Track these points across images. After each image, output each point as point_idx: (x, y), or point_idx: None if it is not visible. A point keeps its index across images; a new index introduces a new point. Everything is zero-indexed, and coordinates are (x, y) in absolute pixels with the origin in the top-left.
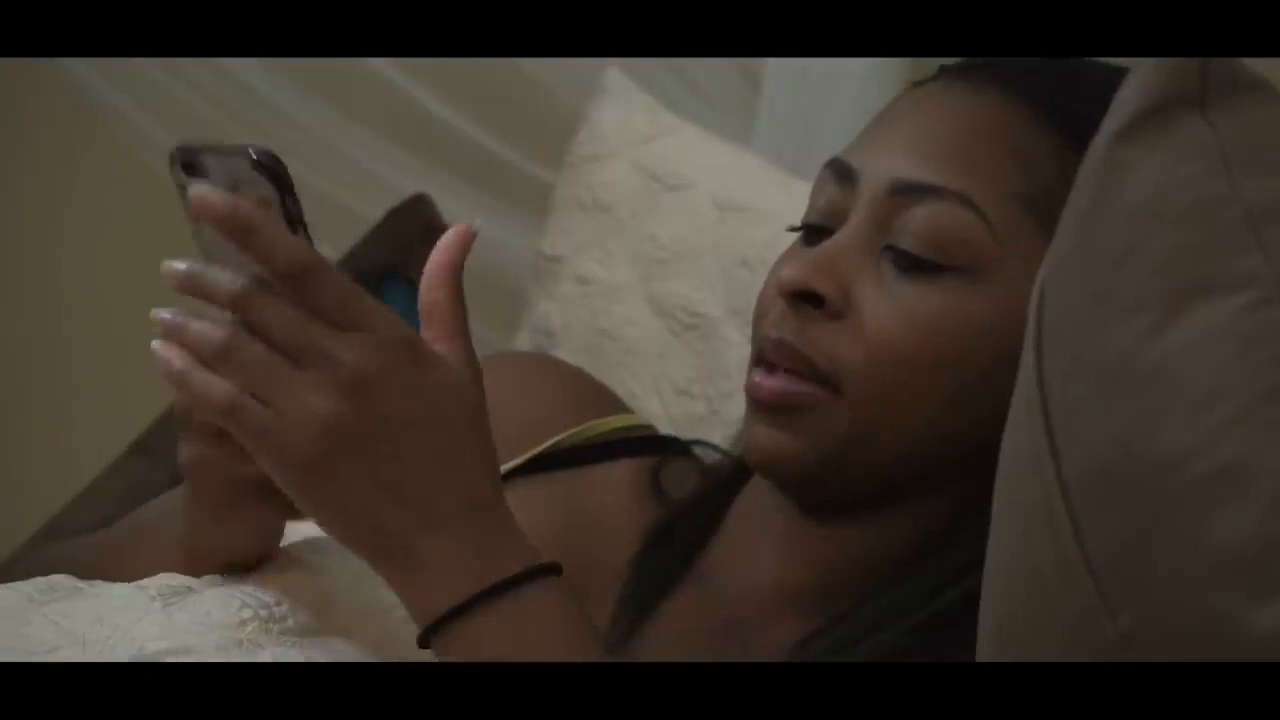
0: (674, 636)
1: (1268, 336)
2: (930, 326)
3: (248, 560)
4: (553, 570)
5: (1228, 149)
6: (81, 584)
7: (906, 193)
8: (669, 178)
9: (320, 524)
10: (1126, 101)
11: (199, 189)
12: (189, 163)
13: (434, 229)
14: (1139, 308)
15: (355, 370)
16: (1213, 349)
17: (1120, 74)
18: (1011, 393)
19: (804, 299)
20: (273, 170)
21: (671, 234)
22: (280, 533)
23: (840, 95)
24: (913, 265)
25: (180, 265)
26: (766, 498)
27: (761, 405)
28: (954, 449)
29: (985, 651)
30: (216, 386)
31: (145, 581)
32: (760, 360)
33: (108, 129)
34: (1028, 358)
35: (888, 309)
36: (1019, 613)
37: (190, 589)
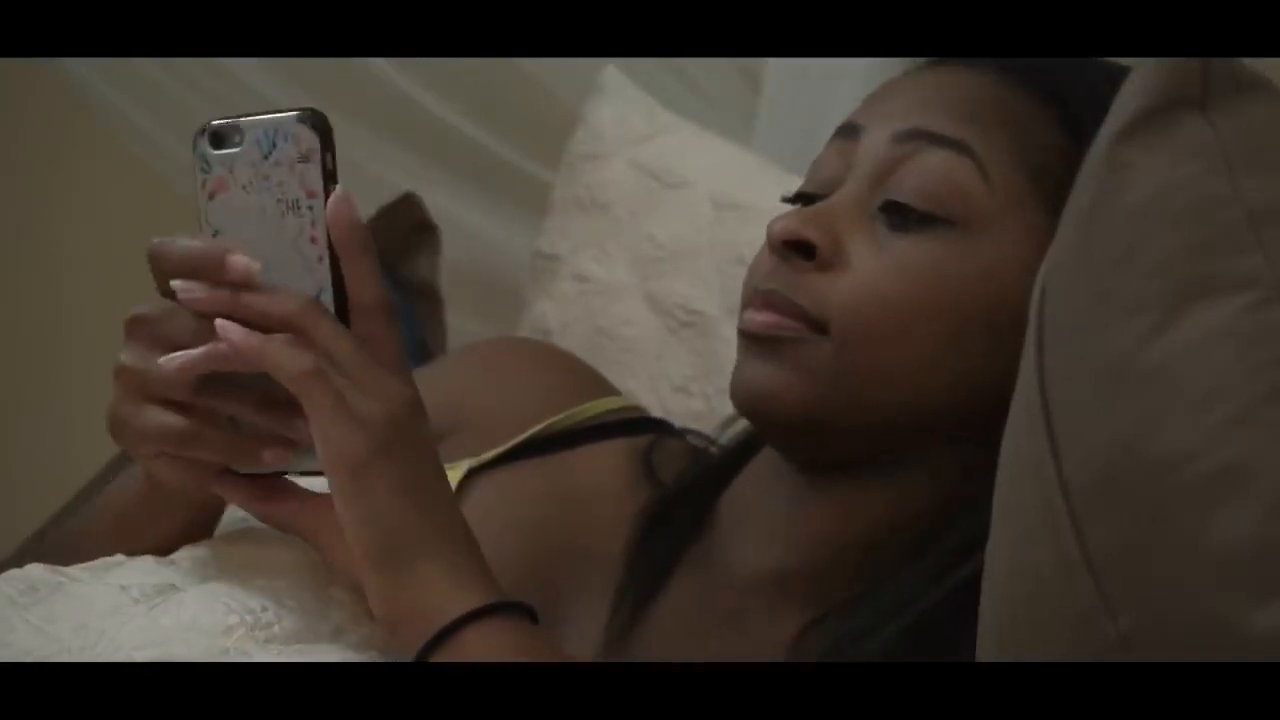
0: (674, 626)
1: (1268, 337)
2: (920, 276)
3: (206, 510)
4: (533, 611)
5: (1229, 149)
6: (62, 577)
7: (907, 140)
8: (666, 176)
9: (350, 513)
10: (1127, 101)
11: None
12: (220, 134)
13: (423, 227)
14: (1139, 308)
15: (406, 396)
16: (1213, 349)
17: (1110, 65)
18: (1007, 359)
19: (795, 249)
20: (318, 127)
21: (669, 233)
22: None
23: (840, 95)
24: (907, 219)
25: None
26: (764, 479)
27: (751, 339)
28: (951, 414)
29: (985, 651)
30: (299, 354)
31: (126, 577)
32: (750, 304)
33: (108, 129)
34: (1029, 358)
35: (879, 261)
36: (1019, 613)
37: (173, 586)
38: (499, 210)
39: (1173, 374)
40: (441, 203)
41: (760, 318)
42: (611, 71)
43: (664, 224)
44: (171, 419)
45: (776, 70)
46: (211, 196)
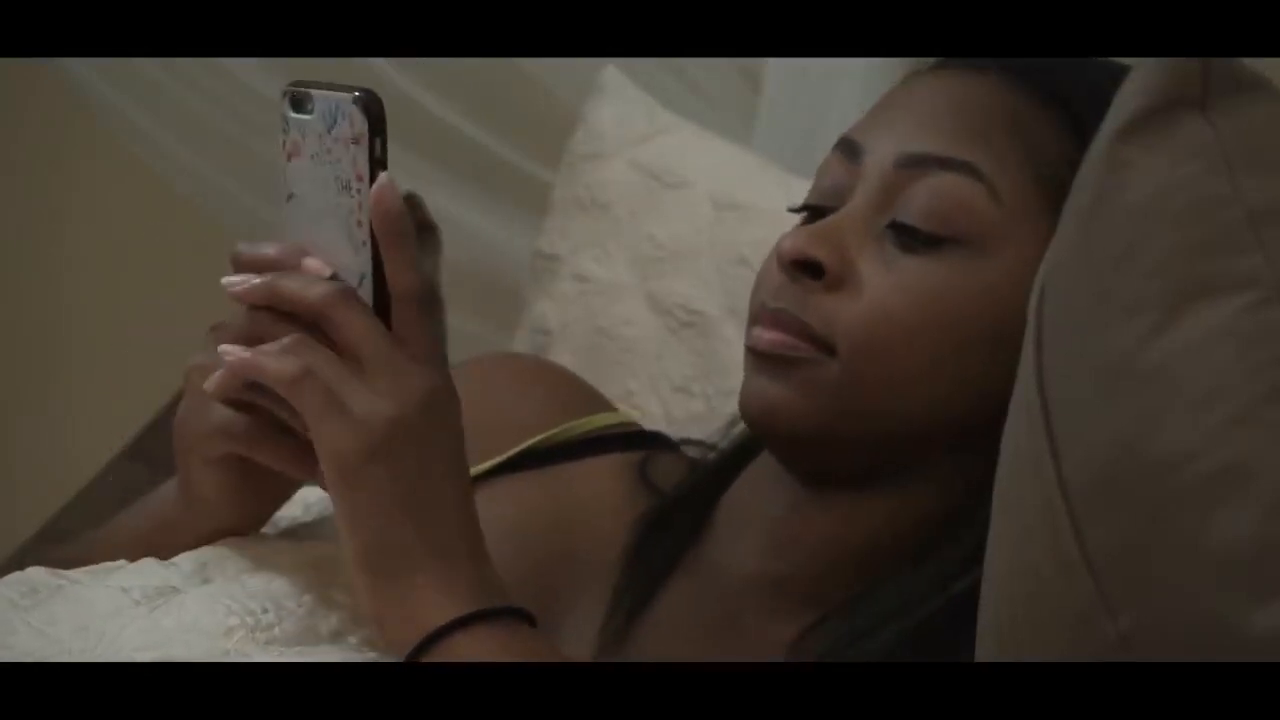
0: (670, 631)
1: (1268, 337)
2: (930, 297)
3: (235, 532)
4: (530, 615)
5: (1229, 149)
6: (62, 580)
7: (913, 165)
8: (667, 176)
9: (342, 514)
10: (1127, 101)
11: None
12: (298, 100)
13: (423, 227)
14: (1139, 308)
15: (427, 389)
16: (1213, 349)
17: (1113, 65)
18: (1011, 367)
19: (803, 268)
20: (370, 110)
21: (669, 233)
22: (271, 514)
23: (840, 95)
24: (915, 239)
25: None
26: (764, 483)
27: (760, 356)
28: (954, 426)
29: (985, 651)
30: (285, 361)
31: (127, 579)
32: (758, 321)
33: (108, 129)
34: (1028, 358)
35: (888, 281)
36: (1019, 613)
37: (174, 588)
38: (499, 210)
39: (1173, 374)
40: (441, 203)
41: (768, 336)
42: (611, 71)
43: (664, 224)
44: (239, 416)
45: (776, 70)
46: (289, 158)
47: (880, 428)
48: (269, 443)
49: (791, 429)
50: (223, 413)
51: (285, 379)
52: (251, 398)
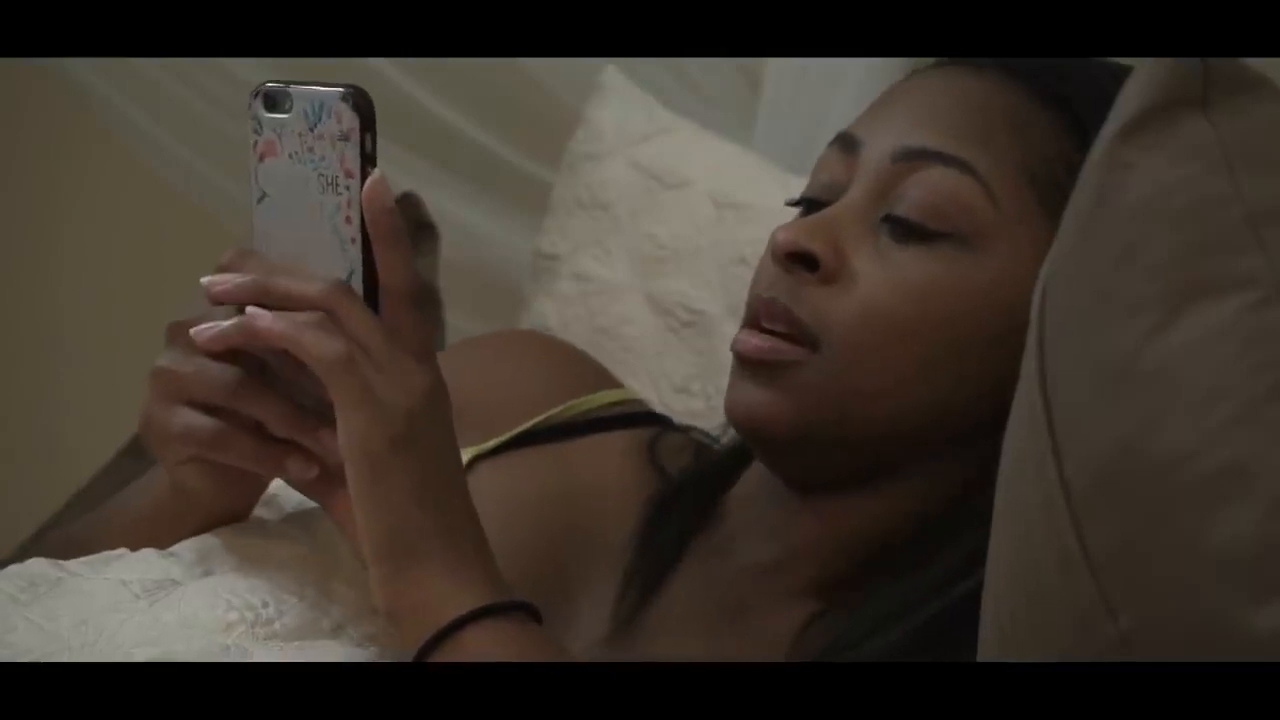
0: (681, 615)
1: (1268, 336)
2: (924, 292)
3: (224, 521)
4: (536, 612)
5: (1229, 149)
6: (62, 572)
7: (909, 159)
8: (667, 176)
9: (363, 503)
10: (1128, 101)
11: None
12: (273, 98)
13: (423, 227)
14: (1140, 308)
15: (429, 384)
16: (1214, 349)
17: (1115, 66)
18: (1008, 370)
19: (798, 260)
20: (360, 107)
21: (670, 232)
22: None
23: (840, 96)
24: (910, 233)
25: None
26: (766, 476)
27: (745, 362)
28: (948, 424)
29: (986, 651)
30: (331, 341)
31: (127, 571)
32: (750, 323)
33: (108, 129)
34: (1030, 358)
35: (882, 274)
36: (1020, 613)
37: (174, 581)
38: (499, 210)
39: (1173, 374)
40: (441, 203)
41: (754, 341)
42: (611, 71)
43: (664, 224)
44: (201, 420)
45: (776, 70)
46: (261, 159)
47: (870, 430)
48: (233, 445)
49: (779, 433)
50: (186, 418)
51: (328, 359)
52: (220, 402)
